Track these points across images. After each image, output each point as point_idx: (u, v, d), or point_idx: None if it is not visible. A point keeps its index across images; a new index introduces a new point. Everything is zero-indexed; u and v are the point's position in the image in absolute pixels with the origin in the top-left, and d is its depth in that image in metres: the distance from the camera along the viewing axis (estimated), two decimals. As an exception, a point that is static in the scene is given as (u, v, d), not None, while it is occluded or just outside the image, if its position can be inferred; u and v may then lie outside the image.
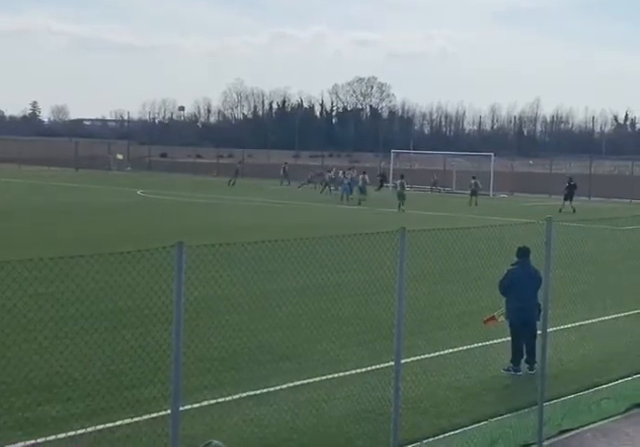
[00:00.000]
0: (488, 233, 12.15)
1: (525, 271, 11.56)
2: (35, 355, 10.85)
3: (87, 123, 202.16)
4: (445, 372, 11.25)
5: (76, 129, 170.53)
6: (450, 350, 12.38)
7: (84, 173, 69.20)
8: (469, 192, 46.17)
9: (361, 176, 50.23)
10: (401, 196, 40.58)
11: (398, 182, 43.49)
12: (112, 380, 10.19)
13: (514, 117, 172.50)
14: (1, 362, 10.52)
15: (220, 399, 9.68)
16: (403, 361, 8.54)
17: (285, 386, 10.31)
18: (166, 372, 9.41)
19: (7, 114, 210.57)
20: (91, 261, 7.65)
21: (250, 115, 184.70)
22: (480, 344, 12.72)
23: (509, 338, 11.75)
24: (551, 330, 10.29)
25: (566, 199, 41.62)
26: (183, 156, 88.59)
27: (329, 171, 52.83)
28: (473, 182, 46.41)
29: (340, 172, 49.74)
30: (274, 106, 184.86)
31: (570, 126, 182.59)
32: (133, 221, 31.05)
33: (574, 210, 39.47)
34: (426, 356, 11.97)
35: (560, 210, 39.11)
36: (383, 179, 58.40)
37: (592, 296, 17.12)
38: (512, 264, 11.80)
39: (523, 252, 11.74)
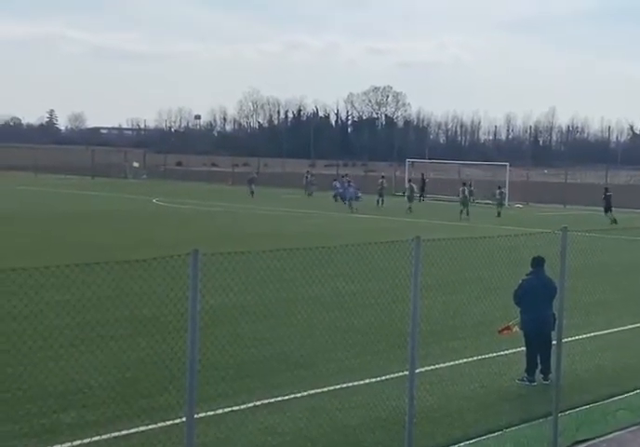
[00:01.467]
0: (503, 242, 12.15)
1: (539, 281, 11.54)
2: (51, 362, 10.92)
3: (104, 131, 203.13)
4: (459, 382, 11.24)
5: (93, 138, 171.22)
6: (465, 360, 12.37)
7: (100, 181, 69.52)
8: (494, 202, 45.22)
9: (380, 180, 50.58)
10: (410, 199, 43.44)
11: (408, 186, 45.69)
12: (127, 387, 10.23)
13: (530, 127, 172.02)
14: (17, 369, 10.59)
15: (234, 407, 9.70)
16: (417, 371, 8.54)
17: (299, 395, 10.32)
18: (181, 379, 9.45)
19: (25, 122, 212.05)
20: (107, 268, 7.70)
21: (266, 124, 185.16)
22: (495, 354, 12.70)
23: (524, 348, 11.72)
24: (566, 340, 10.27)
25: (606, 211, 40.97)
26: (199, 165, 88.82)
27: (335, 180, 52.18)
28: (498, 191, 45.66)
29: (339, 182, 49.07)
30: (290, 115, 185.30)
31: (586, 135, 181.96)
32: (148, 229, 31.18)
33: (615, 221, 38.85)
34: (441, 365, 11.95)
35: (614, 221, 38.55)
36: (423, 186, 56.34)
37: (607, 306, 17.05)
38: (526, 274, 11.78)
39: (537, 262, 11.72)
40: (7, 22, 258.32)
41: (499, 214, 42.90)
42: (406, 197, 46.84)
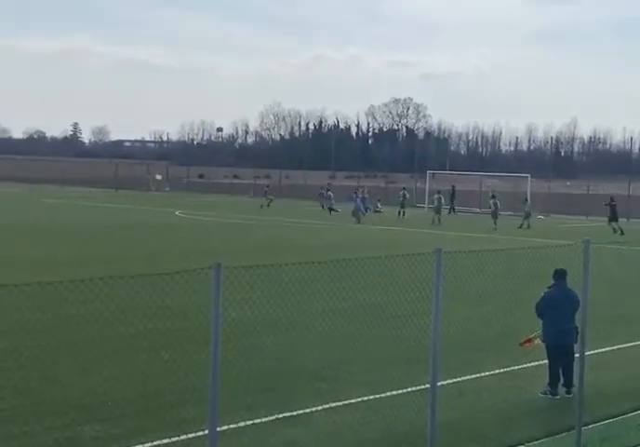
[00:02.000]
0: (526, 254, 12.13)
1: (562, 293, 11.50)
2: (75, 375, 11.02)
3: (127, 144, 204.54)
4: (481, 395, 11.20)
5: (116, 150, 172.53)
6: (486, 373, 12.33)
7: (123, 194, 69.96)
8: (521, 214, 44.78)
9: (402, 191, 50.59)
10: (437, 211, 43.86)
11: (436, 197, 45.51)
12: (150, 400, 10.28)
13: (551, 138, 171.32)
14: (41, 382, 10.68)
15: (256, 420, 9.72)
16: (439, 384, 8.54)
17: (321, 408, 10.33)
18: (203, 392, 9.50)
19: (49, 135, 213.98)
20: (131, 281, 7.77)
21: (287, 136, 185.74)
22: (517, 366, 12.65)
23: (546, 361, 11.68)
24: (589, 353, 10.23)
25: (610, 221, 40.81)
26: (221, 177, 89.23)
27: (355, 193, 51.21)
28: (527, 203, 45.17)
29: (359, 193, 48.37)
30: (311, 127, 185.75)
31: (608, 146, 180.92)
32: (171, 241, 31.34)
33: (621, 232, 38.87)
34: (462, 378, 11.92)
35: (617, 232, 38.64)
36: (453, 198, 55.62)
37: (631, 319, 16.94)
38: (548, 287, 11.75)
39: (560, 274, 11.69)
40: (33, 36, 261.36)
41: (527, 226, 42.59)
42: (433, 209, 46.65)
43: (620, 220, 42.09)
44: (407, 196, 52.23)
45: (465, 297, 17.83)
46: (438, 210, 45.60)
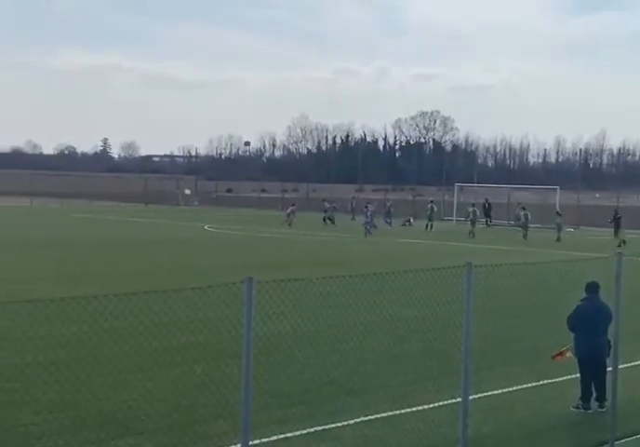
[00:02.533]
0: (557, 267, 12.09)
1: (594, 306, 11.45)
2: (109, 389, 11.13)
3: (156, 159, 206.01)
4: (512, 409, 11.16)
5: (145, 165, 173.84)
6: (518, 386, 12.28)
7: (153, 208, 70.50)
8: (554, 226, 44.52)
9: (429, 204, 50.77)
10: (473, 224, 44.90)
11: (470, 209, 46.48)
12: (183, 414, 10.35)
13: (580, 150, 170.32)
14: (76, 396, 10.80)
15: (288, 434, 9.76)
16: (470, 398, 8.54)
17: (352, 422, 10.34)
18: (235, 406, 9.56)
19: (80, 150, 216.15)
20: (163, 295, 7.87)
21: (314, 150, 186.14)
22: (549, 380, 12.59)
23: (578, 375, 11.61)
24: (622, 366, 10.18)
25: (616, 233, 41.11)
26: (249, 191, 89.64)
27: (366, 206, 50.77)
28: (558, 216, 44.82)
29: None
30: (338, 140, 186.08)
31: (637, 158, 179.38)
32: (201, 255, 31.54)
33: (624, 242, 38.98)
34: (493, 392, 11.88)
35: (619, 245, 38.63)
36: (488, 211, 55.76)
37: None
38: (581, 300, 11.70)
39: (592, 288, 11.63)
40: (64, 53, 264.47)
41: (557, 239, 42.37)
42: (469, 222, 46.54)
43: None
44: (435, 209, 52.20)
45: (496, 310, 17.76)
46: (474, 223, 45.74)
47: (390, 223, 51.01)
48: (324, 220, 51.05)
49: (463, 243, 39.67)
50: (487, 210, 55.40)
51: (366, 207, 46.54)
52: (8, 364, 12.13)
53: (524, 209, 46.00)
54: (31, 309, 8.45)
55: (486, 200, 56.34)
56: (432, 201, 53.81)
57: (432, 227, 49.32)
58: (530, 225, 45.17)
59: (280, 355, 13.30)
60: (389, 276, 13.70)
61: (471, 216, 46.46)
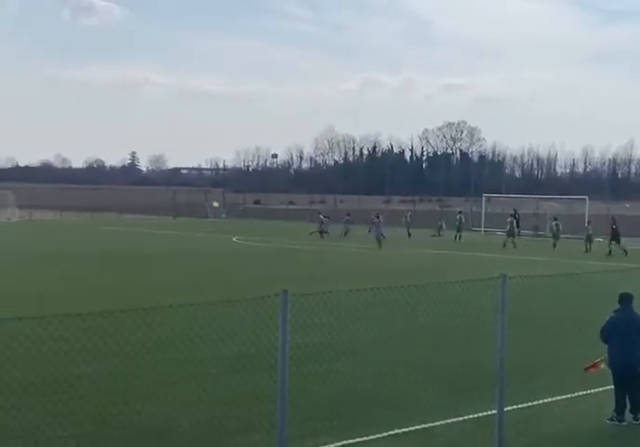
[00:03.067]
0: (589, 278, 12.04)
1: (627, 317, 11.38)
2: (144, 401, 11.21)
3: (184, 172, 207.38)
4: (546, 422, 11.10)
5: (173, 178, 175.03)
6: (551, 399, 12.20)
7: (181, 221, 70.89)
8: (583, 237, 43.85)
9: (458, 215, 50.84)
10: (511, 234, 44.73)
11: (508, 220, 46.45)
12: (217, 426, 10.39)
13: (608, 160, 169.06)
14: (112, 408, 10.87)
15: (322, 447, 9.77)
16: (504, 409, 8.51)
17: (385, 434, 10.33)
18: (268, 418, 9.61)
19: (108, 164, 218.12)
20: (192, 309, 7.96)
21: (341, 161, 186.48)
22: (582, 392, 12.50)
23: (612, 386, 11.53)
24: (656, 378, 10.07)
25: (611, 241, 41.14)
26: (276, 203, 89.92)
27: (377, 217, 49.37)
28: (589, 227, 44.04)
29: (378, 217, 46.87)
30: (365, 152, 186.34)
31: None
32: (231, 268, 31.70)
33: (610, 253, 39.33)
34: (526, 404, 11.81)
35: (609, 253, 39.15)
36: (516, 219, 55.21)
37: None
38: (614, 311, 11.63)
39: (625, 299, 11.56)
40: (93, 68, 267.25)
41: (586, 249, 42.09)
42: (506, 233, 46.31)
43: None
44: (464, 219, 52.06)
45: (528, 321, 17.68)
46: (511, 234, 45.63)
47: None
48: (320, 233, 50.09)
49: (493, 254, 39.49)
50: (517, 221, 55.21)
51: (378, 217, 46.19)
52: (46, 377, 12.27)
53: (555, 219, 45.99)
54: (68, 323, 8.56)
55: (515, 211, 56.12)
56: (460, 212, 53.68)
57: (460, 238, 49.20)
58: (550, 235, 45.22)
59: (312, 366, 13.29)
60: (422, 288, 13.71)
61: (508, 227, 46.41)
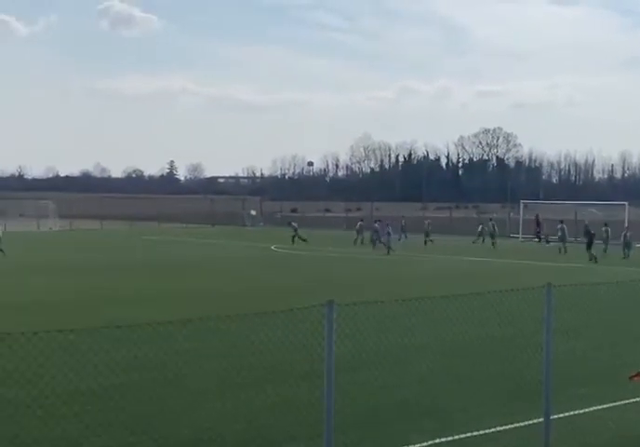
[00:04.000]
0: (633, 286, 11.89)
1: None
2: (183, 410, 11.24)
3: (221, 180, 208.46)
4: (592, 430, 10.92)
5: (211, 187, 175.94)
6: (596, 407, 12.03)
7: (219, 229, 71.27)
8: (621, 243, 43.21)
9: (490, 222, 51.56)
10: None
11: (559, 227, 46.72)
12: (257, 436, 10.33)
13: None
14: (150, 418, 10.92)
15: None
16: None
17: (425, 444, 10.24)
18: (309, 427, 9.62)
19: (147, 173, 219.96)
20: (232, 317, 7.98)
21: (377, 169, 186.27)
22: (628, 400, 12.32)
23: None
24: None
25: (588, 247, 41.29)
26: (313, 211, 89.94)
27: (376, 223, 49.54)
28: (627, 234, 43.47)
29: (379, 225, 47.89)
30: (401, 159, 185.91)
31: None
32: (271, 276, 31.84)
33: (595, 260, 39.42)
34: (572, 413, 11.64)
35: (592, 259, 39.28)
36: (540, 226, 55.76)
37: None
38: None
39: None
40: (130, 79, 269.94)
41: (624, 256, 41.70)
42: (558, 238, 46.79)
43: None
44: (496, 227, 52.03)
45: (569, 329, 17.51)
46: (563, 240, 46.08)
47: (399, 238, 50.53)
48: (292, 239, 50.87)
49: (526, 261, 39.20)
50: (541, 227, 55.39)
51: (380, 221, 47.44)
52: (84, 389, 12.33)
53: (606, 225, 46.01)
54: (107, 333, 8.63)
55: (537, 216, 56.51)
56: (491, 219, 54.20)
57: (493, 244, 49.36)
58: (597, 242, 44.89)
59: (349, 375, 13.24)
60: (459, 298, 13.65)
61: (560, 233, 46.75)
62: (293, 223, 53.14)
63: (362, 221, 53.24)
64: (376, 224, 47.91)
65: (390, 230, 45.40)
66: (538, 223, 56.67)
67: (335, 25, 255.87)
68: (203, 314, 10.13)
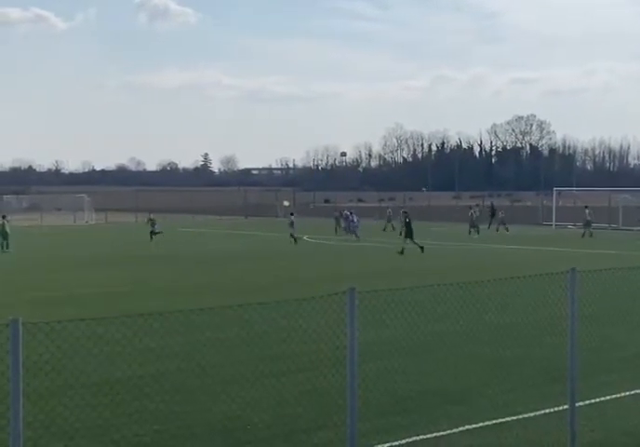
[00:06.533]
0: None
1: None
2: (213, 399, 11.36)
3: (255, 172, 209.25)
4: (620, 417, 10.89)
5: (244, 179, 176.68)
6: (624, 393, 11.97)
7: (253, 221, 71.55)
8: None
9: (500, 213, 53.29)
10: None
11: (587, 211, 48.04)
12: (286, 424, 10.45)
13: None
14: (182, 407, 11.06)
15: (394, 443, 9.72)
16: (577, 405, 8.41)
17: (456, 430, 10.28)
18: (336, 415, 9.69)
19: (181, 166, 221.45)
20: (258, 307, 8.07)
21: (410, 158, 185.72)
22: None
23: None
24: None
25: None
26: (346, 201, 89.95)
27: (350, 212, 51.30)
28: None
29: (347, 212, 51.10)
30: (433, 148, 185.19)
31: None
32: (303, 266, 32.01)
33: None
34: (599, 399, 11.62)
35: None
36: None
37: None
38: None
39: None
40: (166, 72, 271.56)
41: None
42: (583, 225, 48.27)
43: None
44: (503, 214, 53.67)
45: (596, 316, 17.39)
46: (589, 225, 47.51)
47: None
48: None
49: (562, 248, 38.91)
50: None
51: (350, 212, 49.77)
52: (119, 377, 12.54)
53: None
54: (141, 322, 8.76)
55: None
56: (500, 212, 54.82)
57: (498, 230, 51.53)
58: (623, 228, 45.54)
59: (378, 363, 13.30)
60: (483, 284, 13.64)
61: (589, 218, 47.92)
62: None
63: (390, 209, 57.78)
64: (346, 212, 51.69)
65: (355, 218, 48.12)
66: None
67: (369, 15, 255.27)
68: (233, 304, 10.16)
